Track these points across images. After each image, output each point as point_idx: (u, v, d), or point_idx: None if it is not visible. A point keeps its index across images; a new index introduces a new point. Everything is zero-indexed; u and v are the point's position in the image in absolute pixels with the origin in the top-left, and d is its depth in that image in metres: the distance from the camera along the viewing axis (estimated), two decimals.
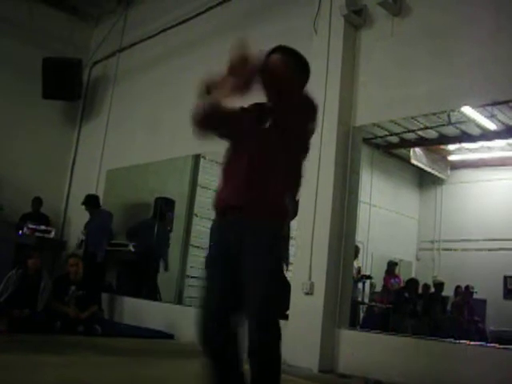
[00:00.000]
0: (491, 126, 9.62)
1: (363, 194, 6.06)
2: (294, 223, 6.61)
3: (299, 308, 5.64)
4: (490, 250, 11.31)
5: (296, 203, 2.61)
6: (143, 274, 8.61)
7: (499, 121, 9.53)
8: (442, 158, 12.94)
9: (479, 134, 10.57)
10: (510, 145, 11.44)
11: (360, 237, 8.86)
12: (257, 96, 2.73)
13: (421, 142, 11.62)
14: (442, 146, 12.34)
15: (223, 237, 2.60)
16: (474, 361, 4.60)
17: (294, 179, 2.67)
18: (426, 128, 10.66)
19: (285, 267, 6.38)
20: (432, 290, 10.43)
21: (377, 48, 5.98)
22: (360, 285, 9.58)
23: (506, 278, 11.12)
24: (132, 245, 8.52)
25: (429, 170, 12.79)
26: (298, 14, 6.75)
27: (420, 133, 11.06)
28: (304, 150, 2.77)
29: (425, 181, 13.82)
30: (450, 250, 12.60)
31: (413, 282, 10.35)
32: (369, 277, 10.27)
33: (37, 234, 8.93)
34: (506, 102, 6.50)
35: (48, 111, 10.23)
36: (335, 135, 5.79)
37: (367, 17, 6.07)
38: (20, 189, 9.40)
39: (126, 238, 8.75)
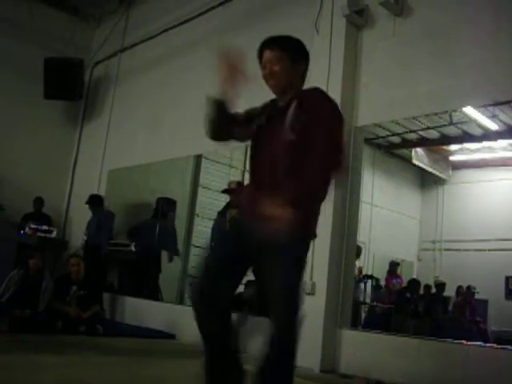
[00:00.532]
0: (493, 126, 9.62)
1: (365, 194, 6.06)
2: None
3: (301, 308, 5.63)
4: (491, 250, 11.31)
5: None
6: (144, 273, 8.62)
7: (501, 121, 9.53)
8: (443, 158, 12.94)
9: (481, 134, 10.57)
10: (511, 145, 11.43)
11: (362, 237, 8.84)
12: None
13: (422, 143, 11.63)
14: (444, 147, 12.34)
15: (242, 228, 2.58)
16: (475, 361, 4.59)
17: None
18: (428, 128, 10.67)
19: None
20: (433, 290, 10.43)
21: (378, 48, 5.98)
22: (362, 285, 9.57)
23: (507, 278, 11.13)
24: (133, 245, 8.53)
25: (430, 170, 12.79)
26: (299, 14, 6.75)
27: (422, 133, 11.07)
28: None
29: (426, 181, 13.83)
30: (452, 250, 12.60)
31: (414, 283, 10.35)
32: (371, 277, 10.28)
33: (38, 233, 8.94)
34: (507, 103, 6.51)
35: (49, 111, 10.24)
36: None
37: (369, 17, 6.07)
38: (21, 189, 9.41)
39: (127, 238, 8.76)
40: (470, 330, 9.62)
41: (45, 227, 9.11)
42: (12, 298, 6.34)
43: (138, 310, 7.78)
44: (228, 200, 6.48)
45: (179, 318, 7.12)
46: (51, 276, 6.83)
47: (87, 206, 8.62)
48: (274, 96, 2.80)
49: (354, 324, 5.68)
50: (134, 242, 8.62)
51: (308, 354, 5.41)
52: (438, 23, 5.54)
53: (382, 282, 10.62)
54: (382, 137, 11.35)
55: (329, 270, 5.51)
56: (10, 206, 9.03)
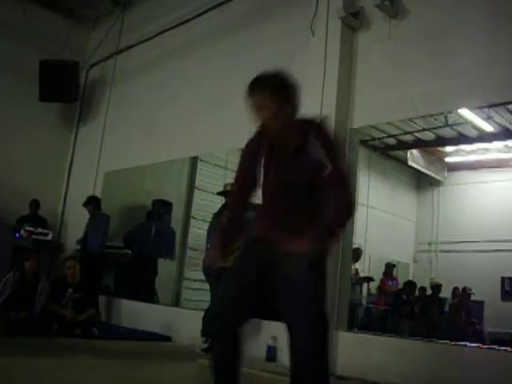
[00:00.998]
0: (488, 127, 9.64)
1: (360, 196, 6.06)
2: None
3: None
4: (487, 251, 11.32)
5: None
6: (140, 276, 8.61)
7: (496, 123, 9.55)
8: (438, 160, 12.96)
9: (476, 135, 10.59)
10: (506, 147, 11.46)
11: (357, 239, 8.85)
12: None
13: (418, 144, 11.64)
14: (439, 148, 12.36)
15: (260, 254, 2.68)
16: (471, 362, 4.60)
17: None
18: (423, 130, 10.68)
19: None
20: (429, 291, 10.44)
21: (374, 50, 5.99)
22: (357, 286, 9.57)
23: (503, 279, 11.15)
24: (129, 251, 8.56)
25: (426, 171, 12.80)
26: (295, 15, 6.76)
27: (417, 134, 11.08)
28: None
29: (422, 182, 13.84)
30: (448, 251, 12.62)
31: (410, 284, 10.36)
32: (370, 279, 10.29)
33: (34, 236, 8.91)
34: (502, 104, 6.53)
35: (45, 113, 10.22)
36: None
37: (364, 19, 6.08)
38: (17, 191, 9.38)
39: (123, 244, 8.76)
40: (465, 332, 9.64)
41: (40, 230, 9.08)
42: (7, 301, 6.33)
43: (134, 313, 7.76)
44: (224, 202, 6.47)
45: (175, 321, 7.12)
46: (47, 278, 6.82)
47: (85, 207, 8.58)
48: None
49: (351, 326, 5.68)
50: (130, 248, 8.62)
51: None
52: (434, 25, 5.55)
53: (376, 284, 10.63)
54: (378, 138, 11.36)
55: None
56: (5, 208, 9.00)
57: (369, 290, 10.40)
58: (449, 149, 12.37)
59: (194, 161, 8.64)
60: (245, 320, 2.72)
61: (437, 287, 10.40)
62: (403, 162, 12.48)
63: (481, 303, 10.68)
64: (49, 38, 9.99)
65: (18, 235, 8.75)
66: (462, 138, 10.98)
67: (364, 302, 10.04)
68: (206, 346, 5.98)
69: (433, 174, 13.02)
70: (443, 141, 11.35)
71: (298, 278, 2.54)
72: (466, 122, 9.77)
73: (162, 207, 8.90)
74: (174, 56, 8.66)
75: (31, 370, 4.11)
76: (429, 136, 11.09)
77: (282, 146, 2.69)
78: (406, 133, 10.95)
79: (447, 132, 10.79)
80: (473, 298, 10.47)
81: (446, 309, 10.40)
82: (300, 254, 2.48)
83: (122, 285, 8.82)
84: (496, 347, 4.87)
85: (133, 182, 9.63)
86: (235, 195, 2.99)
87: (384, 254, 11.51)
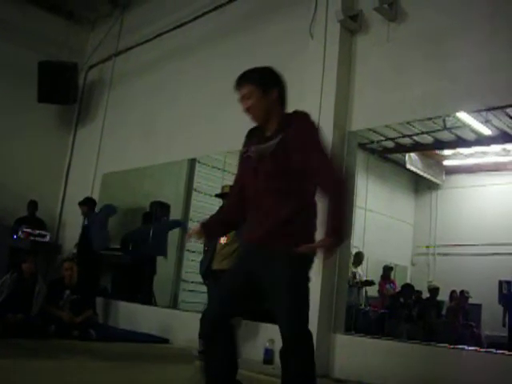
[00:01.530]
0: (486, 131, 9.65)
1: (359, 199, 6.06)
2: None
3: None
4: (485, 254, 11.33)
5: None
6: (138, 278, 8.60)
7: (494, 126, 9.56)
8: (437, 163, 12.98)
9: (474, 139, 10.60)
10: (504, 150, 11.47)
11: (356, 241, 8.85)
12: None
13: (416, 147, 11.66)
14: (437, 151, 12.37)
15: (249, 256, 2.80)
16: (469, 366, 4.61)
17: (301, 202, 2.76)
18: (422, 133, 10.70)
19: None
20: (427, 295, 10.44)
21: (372, 53, 6.00)
22: (356, 289, 9.58)
23: (501, 282, 11.14)
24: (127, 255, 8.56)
25: (424, 175, 12.81)
26: (294, 17, 6.76)
27: (415, 138, 11.09)
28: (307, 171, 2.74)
29: (420, 186, 13.85)
30: (446, 254, 12.62)
31: (408, 287, 10.36)
32: (371, 283, 10.29)
33: (32, 237, 8.91)
34: (500, 108, 6.53)
35: (43, 115, 10.22)
36: (330, 140, 5.80)
37: (363, 22, 6.09)
38: (15, 192, 9.37)
39: (121, 248, 8.75)
40: (463, 335, 9.63)
41: (38, 231, 9.07)
42: (5, 302, 6.31)
43: (132, 315, 7.75)
44: (221, 204, 6.47)
45: (173, 323, 7.11)
46: (44, 280, 6.81)
47: (80, 206, 8.57)
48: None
49: (348, 329, 5.67)
50: (127, 251, 8.61)
51: None
52: (432, 28, 5.56)
53: (374, 287, 10.63)
54: (376, 141, 11.37)
55: (322, 275, 5.50)
56: (3, 209, 9.00)
57: (366, 292, 10.40)
58: (447, 152, 12.38)
59: (192, 163, 8.64)
60: (233, 318, 2.83)
61: (434, 290, 10.40)
62: (401, 165, 12.49)
63: (478, 306, 10.68)
64: (48, 39, 9.99)
65: (15, 236, 8.74)
66: (460, 142, 11.00)
67: (363, 305, 10.04)
68: (203, 348, 5.97)
69: (431, 178, 13.03)
70: (441, 144, 11.36)
71: (283, 277, 2.64)
72: (464, 126, 9.78)
73: (160, 209, 8.89)
74: (173, 58, 8.66)
75: (28, 371, 4.10)
76: (427, 139, 11.10)
77: (266, 142, 2.77)
78: (405, 136, 10.96)
79: (445, 135, 10.81)
80: (470, 301, 10.46)
81: (444, 312, 10.39)
82: (286, 254, 2.61)
83: (119, 287, 8.81)
84: (493, 351, 4.87)
85: (131, 183, 9.63)
86: (232, 196, 3.12)
87: (382, 257, 11.51)
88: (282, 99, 2.86)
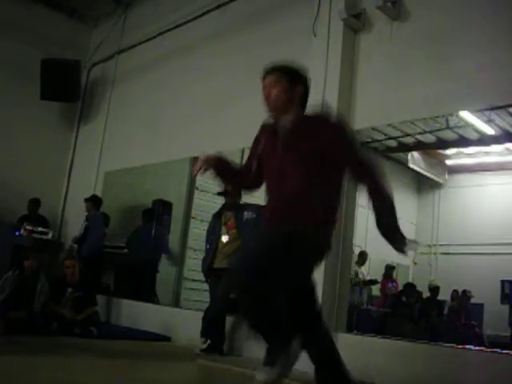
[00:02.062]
0: (489, 130, 9.63)
1: (361, 198, 6.05)
2: None
3: None
4: (487, 254, 11.33)
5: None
6: (140, 276, 8.60)
7: (497, 125, 9.54)
8: (439, 163, 12.97)
9: (477, 138, 10.57)
10: (507, 149, 11.47)
11: (358, 240, 8.85)
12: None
13: (419, 146, 11.63)
14: (440, 151, 12.36)
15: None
16: (470, 365, 4.60)
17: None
18: (424, 132, 10.67)
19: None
20: (427, 294, 10.44)
21: (375, 52, 5.99)
22: (358, 288, 9.58)
23: (503, 282, 11.13)
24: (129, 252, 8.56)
25: (427, 174, 12.80)
26: (297, 16, 6.75)
27: (418, 137, 11.07)
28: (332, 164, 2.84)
29: (423, 185, 13.85)
30: (448, 254, 12.62)
31: (410, 287, 10.35)
32: (375, 282, 10.28)
33: (34, 235, 8.91)
34: (503, 107, 6.52)
35: (46, 112, 10.22)
36: None
37: (366, 20, 6.08)
38: (18, 190, 9.37)
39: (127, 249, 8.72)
40: (465, 334, 9.64)
41: (40, 229, 9.08)
42: (7, 300, 6.32)
43: (134, 313, 7.76)
44: (224, 202, 6.47)
45: (174, 321, 7.11)
46: (46, 277, 6.81)
47: (85, 202, 8.55)
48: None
49: (350, 328, 5.67)
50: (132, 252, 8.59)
51: (303, 356, 5.40)
52: (436, 27, 5.55)
53: (376, 286, 10.63)
54: (379, 140, 11.35)
55: (324, 273, 5.50)
56: (6, 207, 9.00)
57: (369, 292, 10.40)
58: (449, 151, 12.37)
59: (195, 161, 8.60)
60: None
61: (435, 289, 10.40)
62: (404, 164, 12.47)
63: (480, 306, 10.68)
64: (50, 37, 9.99)
65: (18, 234, 8.74)
66: (462, 141, 10.97)
67: (365, 304, 10.04)
68: (204, 346, 5.98)
69: (433, 177, 13.02)
70: (444, 143, 11.33)
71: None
72: (467, 125, 9.76)
73: (162, 207, 8.88)
74: (176, 56, 8.65)
75: (30, 369, 4.10)
76: (430, 138, 11.08)
77: (286, 130, 2.85)
78: (407, 135, 10.94)
79: (448, 134, 10.79)
80: (472, 300, 10.47)
81: (446, 311, 10.39)
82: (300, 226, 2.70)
83: (121, 285, 8.80)
84: (498, 350, 4.86)
85: (133, 181, 9.62)
86: (249, 167, 3.14)
87: (384, 256, 11.49)
88: (304, 99, 2.97)
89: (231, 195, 6.20)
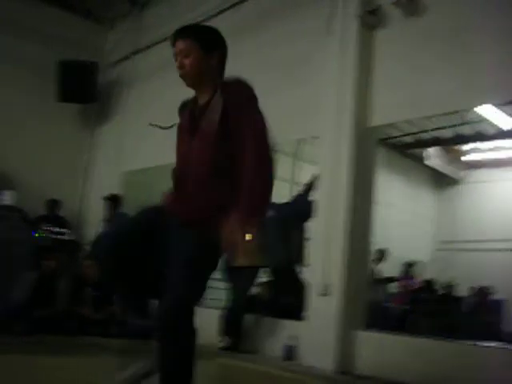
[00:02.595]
0: (507, 125, 9.55)
1: (379, 195, 6.03)
2: (309, 224, 6.62)
3: (315, 309, 5.64)
4: (507, 249, 11.21)
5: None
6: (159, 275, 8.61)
7: None
8: (457, 158, 12.88)
9: (495, 133, 10.50)
10: None
11: (377, 238, 8.81)
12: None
13: (436, 142, 11.57)
14: (458, 146, 12.27)
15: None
16: (491, 362, 4.56)
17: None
18: (442, 128, 10.62)
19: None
20: (445, 290, 10.38)
21: (392, 48, 5.95)
22: (376, 286, 9.53)
23: None
24: None
25: (444, 170, 12.72)
26: (312, 14, 6.72)
27: (435, 133, 11.01)
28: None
29: (441, 181, 13.76)
30: (467, 250, 12.52)
31: (429, 283, 10.30)
32: (392, 279, 10.24)
33: (53, 235, 8.98)
34: None
35: (64, 113, 10.28)
36: (351, 136, 5.78)
37: (382, 16, 6.03)
38: (35, 191, 9.44)
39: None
40: (485, 331, 9.55)
41: (59, 229, 9.14)
42: (27, 300, 6.39)
43: (154, 311, 7.77)
44: None
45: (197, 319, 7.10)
46: (66, 277, 6.87)
47: (104, 201, 8.58)
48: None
49: (370, 325, 5.65)
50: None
51: (323, 354, 5.40)
52: (453, 21, 5.49)
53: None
54: (396, 137, 11.31)
55: (343, 270, 5.50)
56: (24, 207, 9.07)
57: (388, 288, 10.35)
58: (467, 147, 12.28)
59: None
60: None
61: (452, 286, 10.35)
62: (422, 160, 12.42)
63: (501, 302, 10.59)
64: (67, 38, 10.03)
65: (36, 234, 8.80)
66: (480, 136, 10.90)
67: (384, 301, 9.99)
68: (224, 344, 6.00)
69: (451, 173, 12.94)
70: (462, 138, 11.27)
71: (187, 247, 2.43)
72: (485, 120, 9.69)
73: None
74: None
75: (51, 368, 4.14)
76: (447, 134, 11.02)
77: (199, 112, 2.59)
78: (425, 131, 10.89)
79: (466, 130, 10.72)
80: (493, 297, 10.37)
81: (465, 308, 10.32)
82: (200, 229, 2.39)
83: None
84: None
85: (151, 181, 9.64)
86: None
87: (403, 253, 11.45)
88: (221, 66, 2.68)
89: None
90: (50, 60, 9.65)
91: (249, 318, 6.43)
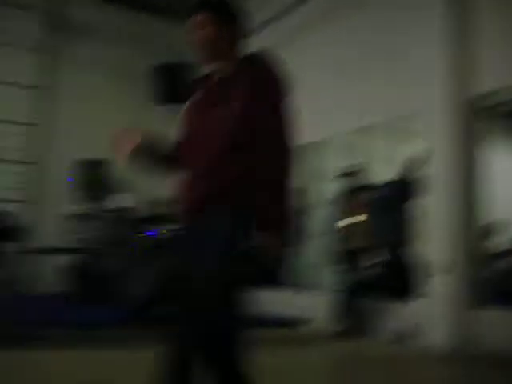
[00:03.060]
0: None
1: (490, 169, 5.69)
2: (419, 202, 6.41)
3: (435, 287, 5.49)
4: None
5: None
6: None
7: None
8: None
9: None
10: None
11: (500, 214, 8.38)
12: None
13: None
14: None
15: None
16: None
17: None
18: None
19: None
20: None
21: (499, 7, 5.46)
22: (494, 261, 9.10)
23: None
24: None
25: None
26: None
27: None
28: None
29: None
30: None
31: None
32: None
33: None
34: None
35: (162, 117, 10.54)
36: (455, 104, 5.53)
37: None
38: (144, 192, 9.73)
39: None
40: None
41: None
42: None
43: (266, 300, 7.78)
44: (343, 185, 6.40)
45: (306, 304, 7.03)
46: None
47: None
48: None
49: (488, 302, 5.39)
50: None
51: (442, 332, 5.24)
52: None
53: None
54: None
55: (462, 248, 5.38)
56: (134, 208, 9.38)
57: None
58: None
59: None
60: None
61: None
62: None
63: None
64: (159, 42, 10.33)
65: (151, 233, 8.99)
66: None
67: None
68: (340, 329, 5.98)
69: None
70: None
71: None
72: None
73: None
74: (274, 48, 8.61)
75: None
76: None
77: (219, 85, 2.44)
78: None
79: None
80: None
81: None
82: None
83: None
84: None
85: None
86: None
87: None
88: (239, 39, 2.48)
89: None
90: (145, 65, 9.94)
91: (361, 301, 6.34)
